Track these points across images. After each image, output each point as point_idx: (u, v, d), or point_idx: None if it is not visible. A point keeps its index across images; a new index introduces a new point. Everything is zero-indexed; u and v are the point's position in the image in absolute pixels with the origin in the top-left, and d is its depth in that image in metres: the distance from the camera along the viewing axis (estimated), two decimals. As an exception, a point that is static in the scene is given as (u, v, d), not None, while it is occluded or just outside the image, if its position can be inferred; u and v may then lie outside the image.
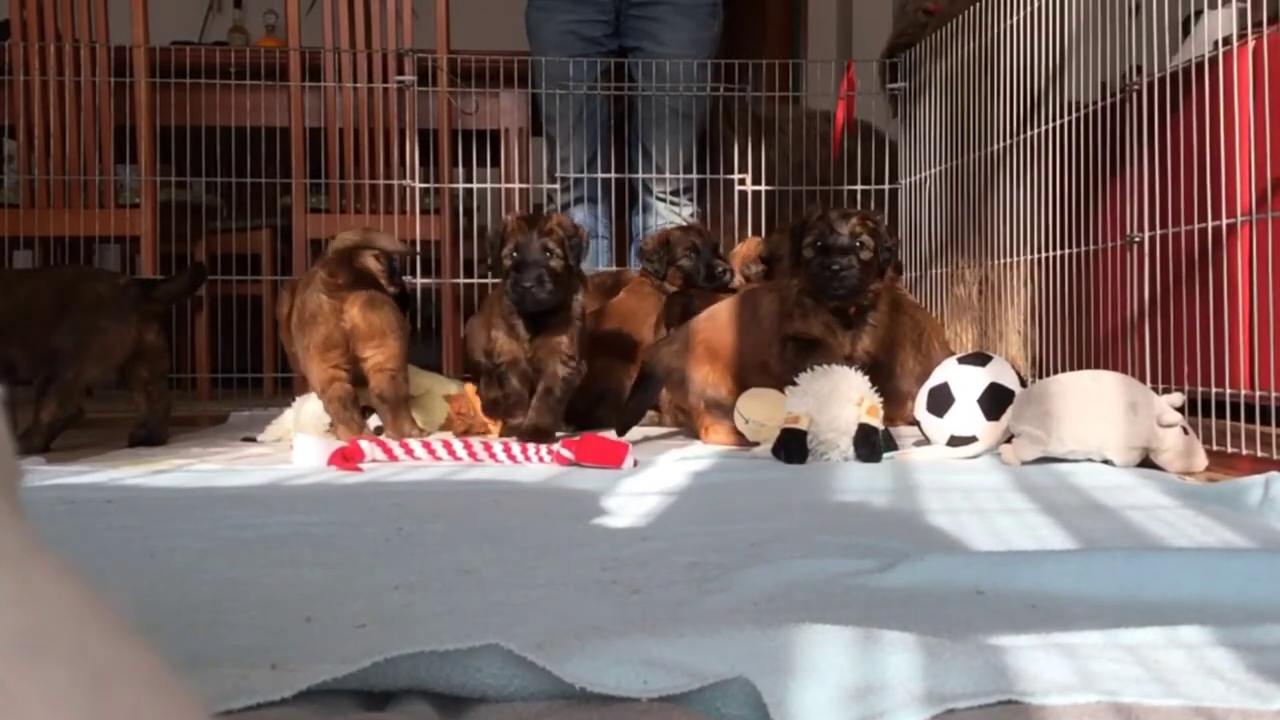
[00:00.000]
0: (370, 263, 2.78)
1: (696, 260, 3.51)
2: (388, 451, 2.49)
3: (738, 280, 3.59)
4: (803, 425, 2.48)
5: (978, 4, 3.63)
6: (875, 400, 2.52)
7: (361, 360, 2.78)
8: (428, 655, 0.87)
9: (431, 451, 2.49)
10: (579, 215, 4.16)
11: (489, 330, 2.96)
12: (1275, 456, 2.21)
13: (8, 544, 0.36)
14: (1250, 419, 2.36)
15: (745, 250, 3.80)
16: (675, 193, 4.30)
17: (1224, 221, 2.51)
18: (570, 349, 2.85)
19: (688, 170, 4.27)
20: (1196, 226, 2.59)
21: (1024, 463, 2.36)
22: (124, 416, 3.10)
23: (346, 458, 2.42)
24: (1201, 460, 2.32)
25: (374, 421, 2.87)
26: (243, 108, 4.18)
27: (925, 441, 2.66)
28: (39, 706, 0.32)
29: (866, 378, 2.56)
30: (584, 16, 4.15)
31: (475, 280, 4.20)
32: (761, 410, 2.70)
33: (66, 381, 2.75)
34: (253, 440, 2.98)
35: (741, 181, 4.28)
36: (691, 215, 4.28)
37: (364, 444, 2.50)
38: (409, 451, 2.50)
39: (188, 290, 3.27)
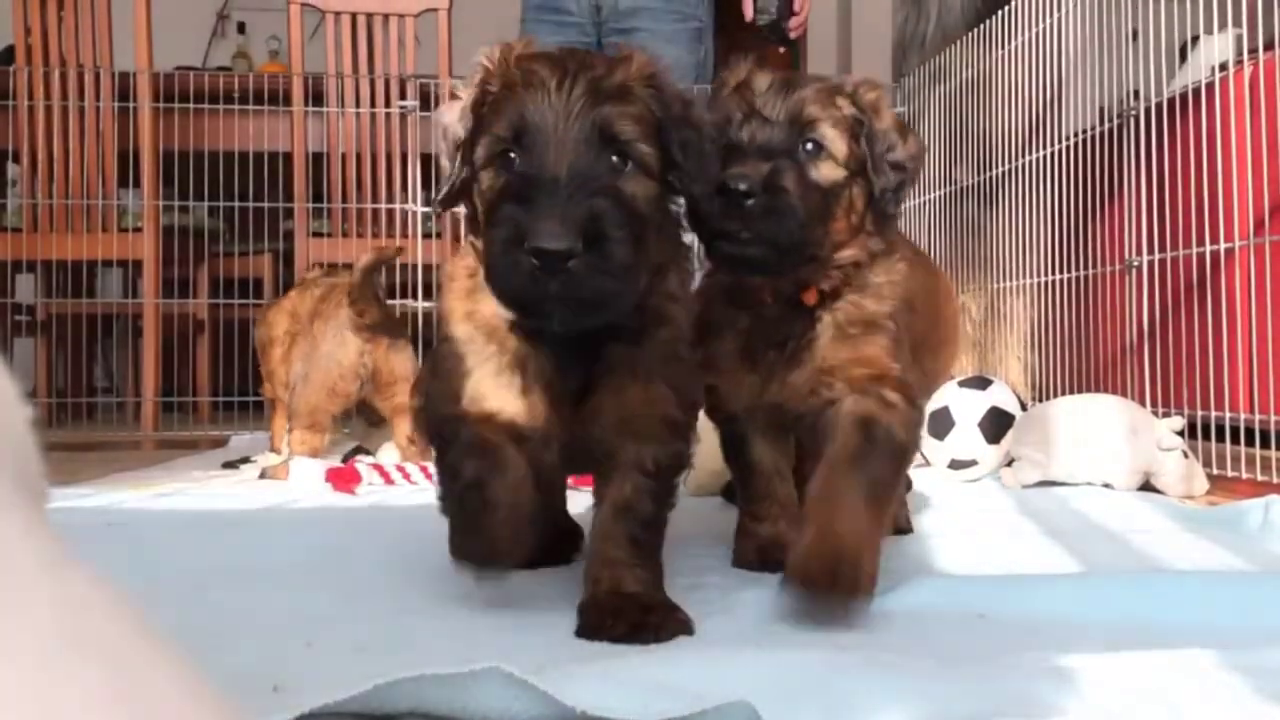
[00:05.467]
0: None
1: None
2: (385, 476, 2.49)
3: None
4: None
5: (977, 30, 3.66)
6: None
7: (377, 401, 2.70)
8: (429, 678, 0.87)
9: (429, 476, 2.48)
10: None
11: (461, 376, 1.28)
12: (1275, 480, 2.21)
13: (44, 553, 0.37)
14: (1250, 443, 2.36)
15: None
16: None
17: (1222, 246, 2.52)
18: (677, 410, 1.28)
19: None
20: (1195, 251, 2.60)
21: (1024, 486, 2.37)
22: (126, 439, 3.09)
23: (346, 479, 2.42)
24: (1201, 484, 2.32)
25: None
26: (245, 132, 4.20)
27: (925, 464, 2.66)
28: (76, 709, 0.33)
29: None
30: (566, 38, 4.15)
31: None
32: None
33: None
34: (233, 466, 2.95)
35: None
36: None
37: (361, 468, 2.50)
38: (406, 476, 2.49)
39: None
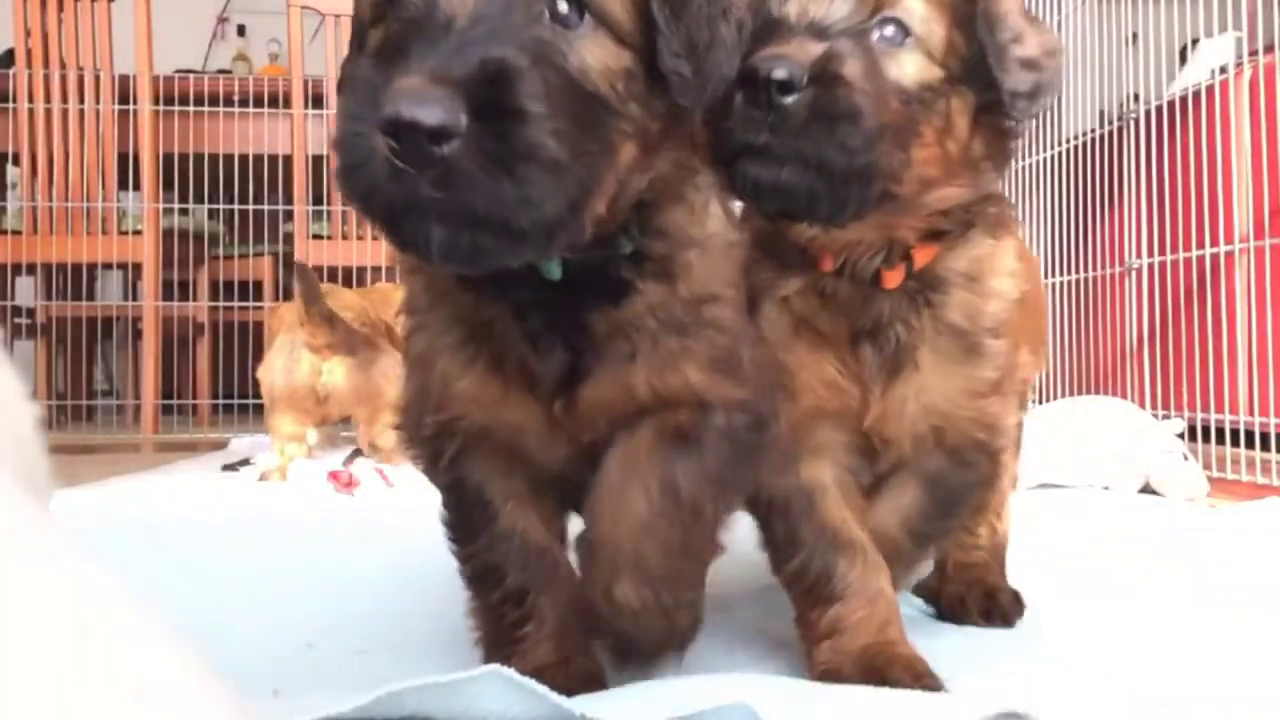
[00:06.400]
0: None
1: None
2: (385, 478, 2.49)
3: None
4: None
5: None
6: None
7: (357, 419, 2.67)
8: (430, 685, 0.87)
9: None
10: None
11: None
12: (1275, 482, 2.21)
13: (52, 547, 0.37)
14: (1250, 445, 2.36)
15: None
16: None
17: (1222, 249, 2.52)
18: (734, 385, 0.89)
19: None
20: (1195, 254, 2.60)
21: (1025, 489, 2.36)
22: (125, 442, 3.09)
23: (346, 481, 2.43)
24: (1202, 486, 2.32)
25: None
26: (245, 135, 4.20)
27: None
28: (88, 699, 0.33)
29: None
30: None
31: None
32: None
33: None
34: (234, 469, 2.95)
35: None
36: None
37: (360, 470, 2.49)
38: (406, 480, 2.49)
39: None
